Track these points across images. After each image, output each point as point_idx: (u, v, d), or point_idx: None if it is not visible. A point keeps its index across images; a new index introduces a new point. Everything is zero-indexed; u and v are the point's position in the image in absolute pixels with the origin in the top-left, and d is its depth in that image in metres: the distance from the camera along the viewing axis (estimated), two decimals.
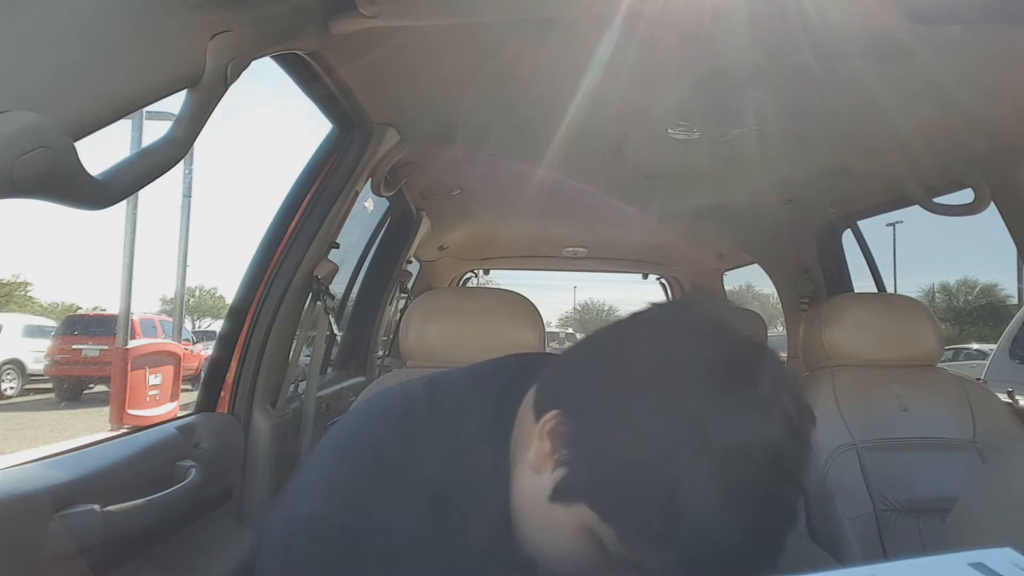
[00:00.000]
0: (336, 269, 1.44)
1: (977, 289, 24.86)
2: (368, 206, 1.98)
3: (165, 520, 0.85)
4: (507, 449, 0.52)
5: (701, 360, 0.45)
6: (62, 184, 0.49)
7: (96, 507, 0.73)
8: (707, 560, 0.42)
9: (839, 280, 2.42)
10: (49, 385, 10.05)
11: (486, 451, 0.52)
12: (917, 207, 1.80)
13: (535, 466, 0.49)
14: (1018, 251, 1.53)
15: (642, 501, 0.43)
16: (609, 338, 0.52)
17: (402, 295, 2.73)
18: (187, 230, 9.21)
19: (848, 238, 2.39)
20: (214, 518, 1.10)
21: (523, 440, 0.51)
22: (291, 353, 1.39)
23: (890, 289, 3.06)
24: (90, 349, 9.53)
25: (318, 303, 1.44)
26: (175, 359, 7.56)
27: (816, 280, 2.49)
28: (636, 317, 0.51)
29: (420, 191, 2.08)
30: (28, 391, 10.33)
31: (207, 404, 1.24)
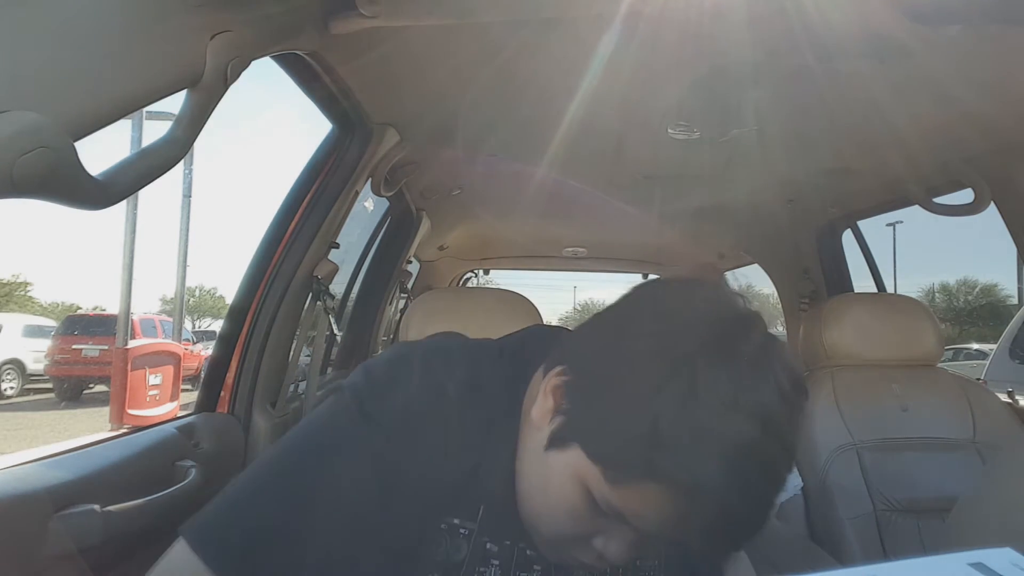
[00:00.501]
0: (336, 269, 1.44)
1: (977, 289, 24.86)
2: (368, 206, 1.98)
3: (165, 520, 0.85)
4: (518, 407, 0.56)
5: (697, 316, 0.48)
6: (62, 184, 0.49)
7: (96, 507, 0.73)
8: (691, 517, 0.44)
9: (839, 280, 2.42)
10: (49, 385, 10.06)
11: (500, 403, 0.56)
12: (917, 207, 1.80)
13: (537, 422, 0.52)
14: (1018, 251, 1.53)
15: (626, 435, 0.45)
16: (615, 306, 0.55)
17: (402, 295, 2.73)
18: (187, 230, 9.21)
19: (848, 238, 2.39)
20: None
21: (531, 401, 0.54)
22: (291, 353, 1.39)
23: (890, 289, 3.05)
24: (90, 349, 9.54)
25: (318, 303, 1.43)
26: (175, 359, 7.56)
27: (816, 280, 2.49)
28: (640, 288, 0.55)
29: (420, 191, 2.08)
30: (28, 391, 10.33)
31: (207, 404, 1.23)
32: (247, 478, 0.53)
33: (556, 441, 0.49)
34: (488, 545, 0.55)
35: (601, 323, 0.54)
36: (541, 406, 0.52)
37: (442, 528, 0.55)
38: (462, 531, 0.55)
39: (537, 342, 0.61)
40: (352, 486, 0.51)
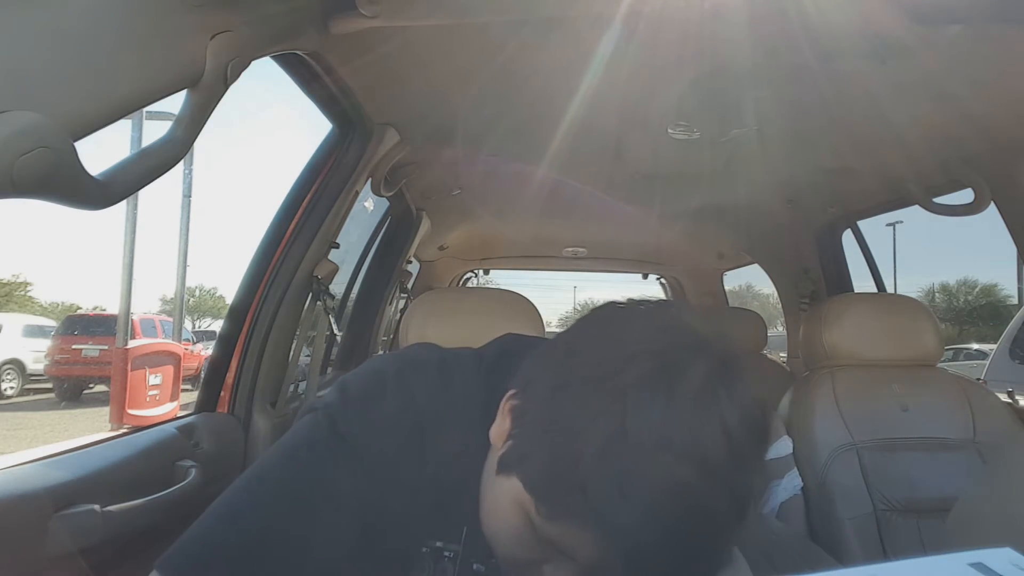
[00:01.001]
0: (336, 269, 1.44)
1: (977, 289, 24.86)
2: (368, 206, 1.98)
3: (165, 520, 0.85)
4: (488, 423, 0.54)
5: (642, 344, 0.44)
6: (62, 184, 0.49)
7: (96, 507, 0.73)
8: (621, 563, 0.41)
9: (839, 280, 2.42)
10: (49, 385, 10.05)
11: (477, 420, 0.54)
12: (917, 207, 1.80)
13: (495, 440, 0.51)
14: (1018, 251, 1.53)
15: (556, 470, 0.42)
16: (571, 328, 0.53)
17: (402, 295, 2.73)
18: (187, 230, 9.21)
19: (848, 238, 2.39)
20: None
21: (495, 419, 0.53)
22: (291, 353, 1.39)
23: (890, 289, 3.06)
24: (90, 349, 9.53)
25: (318, 303, 1.43)
26: (175, 359, 7.56)
27: (816, 280, 2.49)
28: (597, 310, 0.52)
29: (420, 191, 2.08)
30: (28, 391, 10.33)
31: (207, 404, 1.24)
32: (221, 505, 0.51)
33: (502, 466, 0.48)
34: (475, 566, 0.53)
35: (554, 346, 0.51)
36: (499, 426, 0.51)
37: (424, 552, 0.53)
38: (446, 554, 0.53)
39: (511, 357, 0.58)
40: (329, 510, 0.50)
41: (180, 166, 0.65)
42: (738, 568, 0.63)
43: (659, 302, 0.52)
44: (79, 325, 10.31)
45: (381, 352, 2.63)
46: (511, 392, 0.51)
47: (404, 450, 0.52)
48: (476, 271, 4.11)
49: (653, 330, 0.46)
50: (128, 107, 0.54)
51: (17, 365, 10.18)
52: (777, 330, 6.08)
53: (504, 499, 0.47)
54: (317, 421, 0.53)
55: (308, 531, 0.49)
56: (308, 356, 1.60)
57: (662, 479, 0.40)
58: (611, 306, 0.52)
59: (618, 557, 0.41)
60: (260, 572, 0.47)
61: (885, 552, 1.28)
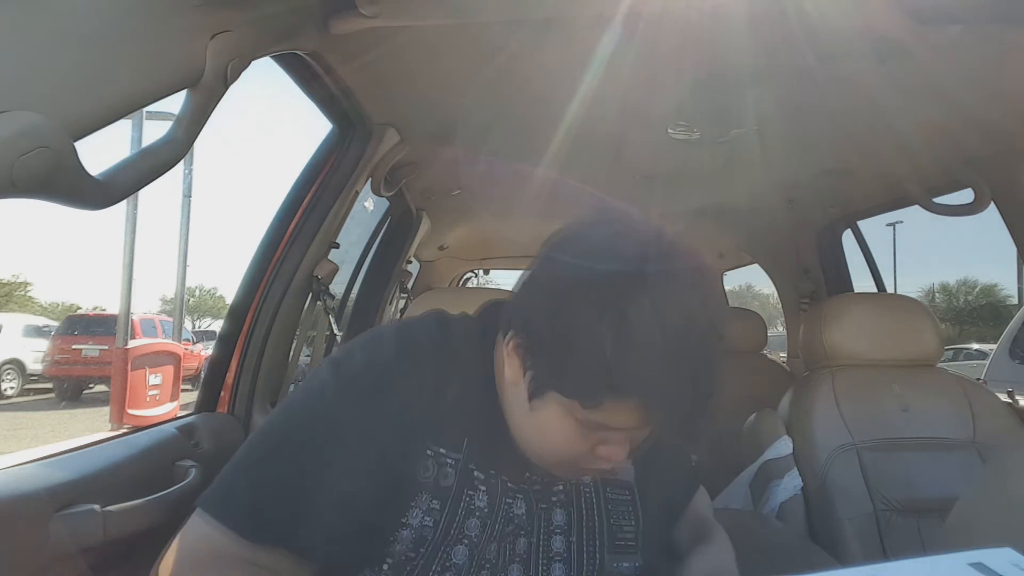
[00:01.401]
0: (336, 269, 1.44)
1: (977, 289, 24.87)
2: (368, 206, 1.98)
3: (165, 520, 0.85)
4: (490, 352, 0.65)
5: (612, 257, 0.53)
6: (62, 184, 0.49)
7: (96, 507, 0.73)
8: (660, 412, 0.53)
9: (839, 280, 2.42)
10: (49, 385, 10.05)
11: (472, 349, 0.65)
12: (917, 207, 1.80)
13: (513, 380, 0.59)
14: (1018, 251, 1.53)
15: (584, 369, 0.52)
16: (543, 260, 0.60)
17: (402, 295, 2.73)
18: (187, 230, 9.22)
19: (848, 238, 2.39)
20: None
21: (501, 365, 0.62)
22: (291, 353, 1.39)
23: (890, 289, 3.06)
24: (90, 349, 9.54)
25: (318, 303, 1.43)
26: (175, 359, 7.56)
27: (816, 280, 2.49)
28: (559, 233, 0.61)
29: (420, 191, 2.08)
30: (28, 391, 10.33)
31: (207, 404, 1.23)
32: (247, 445, 0.61)
33: (534, 394, 0.56)
34: (475, 472, 0.62)
35: (534, 283, 0.60)
36: (511, 367, 0.59)
37: (428, 454, 0.61)
38: (449, 460, 0.61)
39: (495, 309, 0.68)
40: (339, 429, 0.58)
41: (180, 166, 0.65)
42: (720, 541, 0.72)
43: (602, 214, 0.61)
44: (79, 325, 10.31)
45: None
46: (509, 336, 0.59)
47: (404, 373, 0.61)
48: (476, 271, 4.11)
49: (616, 240, 0.56)
50: (128, 107, 0.54)
51: (17, 365, 10.18)
52: (777, 330, 6.08)
53: (548, 417, 0.57)
54: (323, 366, 0.63)
55: (323, 453, 0.57)
56: (308, 356, 1.60)
57: (667, 343, 0.50)
58: (568, 229, 0.60)
59: (657, 409, 0.53)
60: (283, 492, 0.56)
61: (885, 552, 1.28)
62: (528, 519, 0.63)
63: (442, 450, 0.61)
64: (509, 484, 0.63)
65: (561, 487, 0.66)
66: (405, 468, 0.60)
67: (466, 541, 0.60)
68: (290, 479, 0.57)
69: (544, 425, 0.58)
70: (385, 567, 0.58)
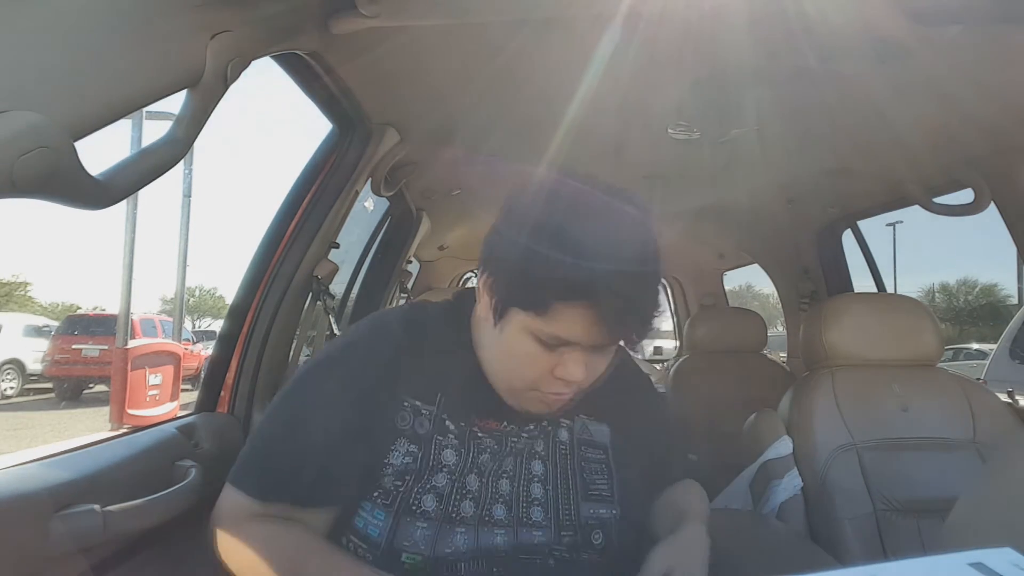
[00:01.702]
0: (336, 269, 1.44)
1: (977, 289, 24.87)
2: (368, 206, 1.98)
3: (165, 520, 0.85)
4: (465, 320, 0.75)
5: (557, 191, 0.67)
6: (62, 184, 0.49)
7: (96, 507, 0.73)
8: (605, 307, 0.60)
9: (839, 280, 2.42)
10: (49, 385, 10.05)
11: (441, 333, 0.75)
12: (917, 207, 1.80)
13: (485, 315, 0.69)
14: (1018, 251, 1.53)
15: (533, 279, 0.62)
16: (500, 221, 0.70)
17: (402, 295, 2.73)
18: (187, 230, 9.22)
19: (848, 238, 2.39)
20: None
21: (480, 319, 0.72)
22: (291, 353, 1.39)
23: (890, 289, 3.06)
24: (90, 349, 9.53)
25: (318, 303, 1.43)
26: (175, 359, 7.55)
27: (816, 280, 2.49)
28: (510, 200, 0.70)
29: (420, 191, 2.07)
30: (28, 391, 10.32)
31: (207, 404, 1.23)
32: (259, 425, 0.75)
33: (499, 315, 0.66)
34: (447, 422, 0.71)
35: (495, 236, 0.69)
36: (483, 305, 0.69)
37: (405, 406, 0.71)
38: (424, 411, 0.71)
39: (469, 291, 0.78)
40: (319, 395, 0.71)
41: (180, 166, 0.65)
42: (690, 535, 0.74)
43: (549, 179, 0.71)
44: (79, 325, 10.31)
45: None
46: (482, 277, 0.69)
47: (373, 348, 0.73)
48: (476, 271, 4.11)
49: (563, 184, 0.69)
50: (128, 107, 0.54)
51: (17, 365, 10.18)
52: (777, 330, 6.08)
53: (510, 335, 0.66)
54: (313, 357, 0.77)
55: (321, 419, 0.69)
56: (308, 356, 1.60)
57: (607, 236, 0.61)
58: (514, 193, 0.71)
59: (601, 303, 0.60)
60: (293, 457, 0.68)
61: (885, 552, 1.28)
62: (498, 460, 0.71)
63: (417, 403, 0.71)
64: (479, 433, 0.72)
65: (541, 443, 0.75)
66: (383, 418, 0.69)
67: (445, 470, 0.69)
68: (284, 443, 0.69)
69: (509, 344, 0.66)
70: (376, 494, 0.68)
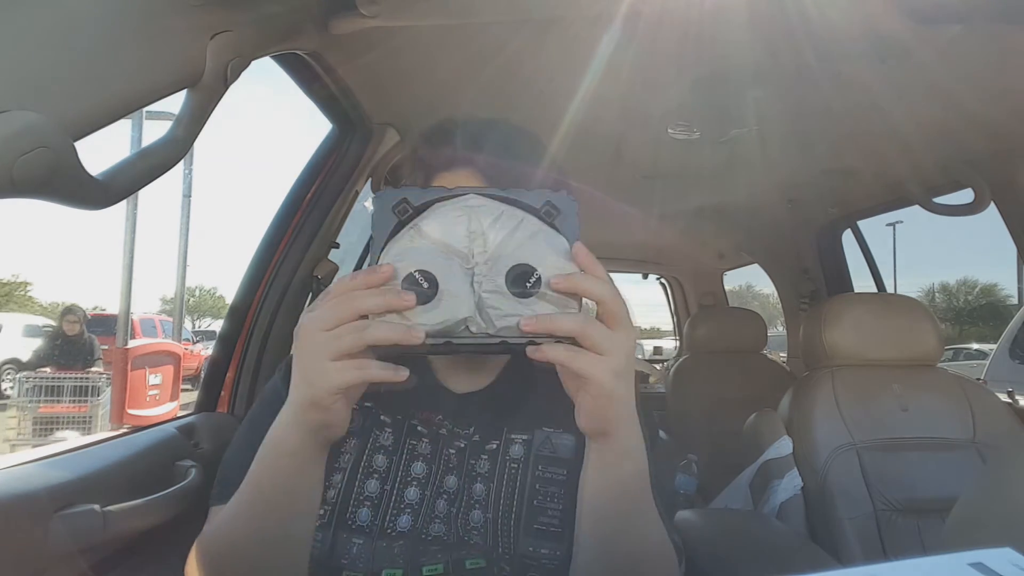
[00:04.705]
0: (336, 269, 1.44)
1: (977, 289, 24.89)
2: (368, 206, 1.97)
3: (165, 520, 0.85)
4: None
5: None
6: (62, 184, 0.49)
7: (96, 507, 0.74)
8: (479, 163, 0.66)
9: (839, 280, 2.43)
10: None
11: None
12: (917, 207, 1.80)
13: None
14: (1018, 251, 1.53)
15: (419, 174, 0.69)
16: None
17: None
18: (187, 230, 9.21)
19: (848, 238, 2.39)
20: None
21: None
22: (291, 353, 1.39)
23: (890, 289, 3.05)
24: None
25: None
26: (175, 359, 7.53)
27: (816, 280, 2.49)
28: None
29: None
30: None
31: (207, 404, 1.24)
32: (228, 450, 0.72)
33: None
34: (382, 416, 0.67)
35: None
36: None
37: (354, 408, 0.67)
38: (367, 404, 0.67)
39: None
40: (273, 401, 0.64)
41: (180, 166, 0.65)
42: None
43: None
44: None
45: None
46: None
47: None
48: None
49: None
50: (128, 107, 0.54)
51: (17, 364, 10.18)
52: (777, 330, 6.08)
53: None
54: (273, 379, 0.73)
55: (265, 425, 0.63)
56: None
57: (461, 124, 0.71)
58: None
59: (477, 163, 0.66)
60: (242, 460, 0.62)
61: (885, 552, 1.28)
62: (434, 471, 0.66)
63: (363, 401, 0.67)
64: (418, 427, 0.68)
65: (487, 462, 0.66)
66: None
67: (376, 476, 0.65)
68: (239, 450, 0.66)
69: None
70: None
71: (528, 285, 0.45)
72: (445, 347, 0.45)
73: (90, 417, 5.56)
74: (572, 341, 0.45)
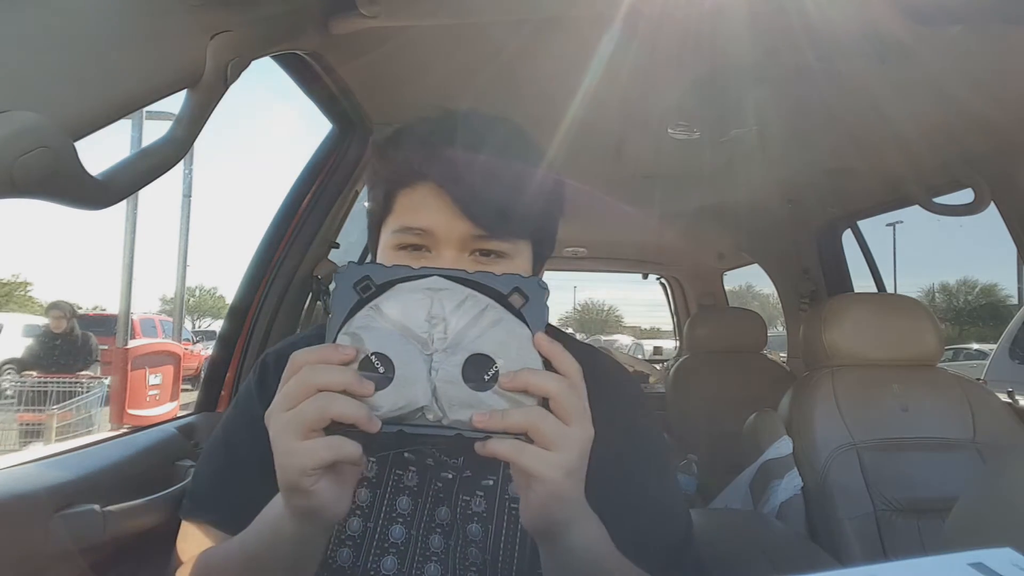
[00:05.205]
0: (336, 269, 1.44)
1: (977, 289, 24.90)
2: (367, 205, 1.97)
3: (165, 520, 0.85)
4: None
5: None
6: (62, 184, 0.49)
7: (96, 507, 0.74)
8: (445, 182, 0.58)
9: (839, 280, 2.42)
10: None
11: None
12: (917, 207, 1.80)
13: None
14: (1018, 251, 1.53)
15: (383, 187, 0.65)
16: None
17: None
18: (187, 230, 9.20)
19: (848, 238, 2.39)
20: None
21: None
22: None
23: (890, 289, 3.05)
24: None
25: (318, 303, 1.43)
26: (175, 359, 7.52)
27: (816, 280, 2.49)
28: None
29: None
30: None
31: (207, 404, 1.24)
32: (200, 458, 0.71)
33: (373, 232, 0.70)
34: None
35: None
36: None
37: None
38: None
39: None
40: (246, 410, 0.65)
41: (180, 166, 0.65)
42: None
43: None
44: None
45: None
46: None
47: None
48: None
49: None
50: (128, 107, 0.54)
51: (17, 364, 10.18)
52: (777, 330, 6.08)
53: (382, 251, 0.66)
54: (248, 380, 0.69)
55: (244, 437, 0.63)
56: None
57: (432, 128, 0.63)
58: None
59: (442, 181, 0.58)
60: (223, 478, 0.64)
61: (885, 552, 1.28)
62: (416, 500, 0.62)
63: None
64: (405, 455, 0.64)
65: (482, 495, 0.61)
66: None
67: (358, 513, 0.62)
68: (210, 462, 0.66)
69: (383, 258, 0.64)
70: None
71: (486, 378, 0.43)
72: (397, 435, 0.43)
73: (71, 425, 5.06)
74: (526, 435, 0.43)
